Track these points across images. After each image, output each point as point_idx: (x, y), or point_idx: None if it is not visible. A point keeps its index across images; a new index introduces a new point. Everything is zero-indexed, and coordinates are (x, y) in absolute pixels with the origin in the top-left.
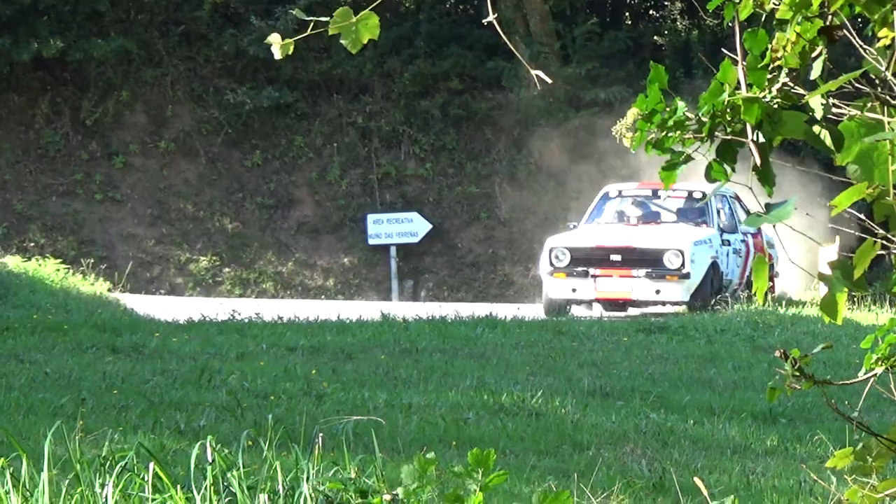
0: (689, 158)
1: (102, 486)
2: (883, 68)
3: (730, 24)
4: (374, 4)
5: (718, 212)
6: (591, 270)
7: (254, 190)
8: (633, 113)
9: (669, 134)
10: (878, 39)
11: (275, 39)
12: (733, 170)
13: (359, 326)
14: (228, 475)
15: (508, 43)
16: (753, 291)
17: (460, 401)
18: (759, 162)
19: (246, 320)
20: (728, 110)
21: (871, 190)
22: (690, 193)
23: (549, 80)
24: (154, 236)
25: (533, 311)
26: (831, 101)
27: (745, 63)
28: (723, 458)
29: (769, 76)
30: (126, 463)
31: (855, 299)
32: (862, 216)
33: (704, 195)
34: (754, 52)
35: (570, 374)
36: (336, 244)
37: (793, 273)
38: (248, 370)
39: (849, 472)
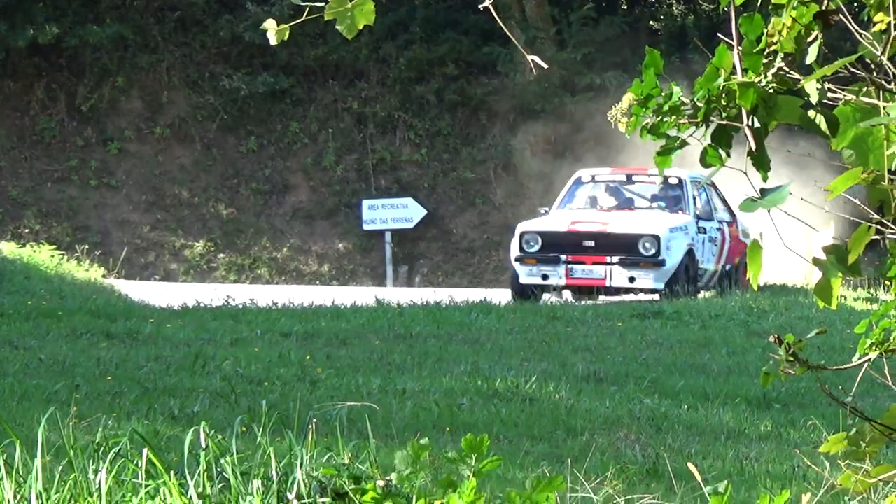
0: (684, 143)
1: (96, 472)
2: (878, 53)
3: (725, 9)
4: None
5: (695, 199)
6: (563, 256)
7: (249, 176)
8: (628, 98)
9: (665, 119)
10: (874, 24)
11: (270, 25)
12: (728, 155)
13: (353, 312)
14: (222, 461)
15: (504, 28)
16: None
17: (454, 386)
18: (754, 147)
19: (240, 306)
20: (723, 95)
21: (867, 175)
22: (666, 179)
23: (546, 66)
24: (149, 222)
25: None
26: (827, 85)
27: (740, 48)
28: (716, 444)
29: (765, 61)
30: (120, 449)
31: (853, 284)
32: (857, 201)
33: (681, 181)
34: (750, 37)
35: (565, 359)
36: (331, 230)
37: (789, 259)
38: (243, 356)
39: (842, 458)
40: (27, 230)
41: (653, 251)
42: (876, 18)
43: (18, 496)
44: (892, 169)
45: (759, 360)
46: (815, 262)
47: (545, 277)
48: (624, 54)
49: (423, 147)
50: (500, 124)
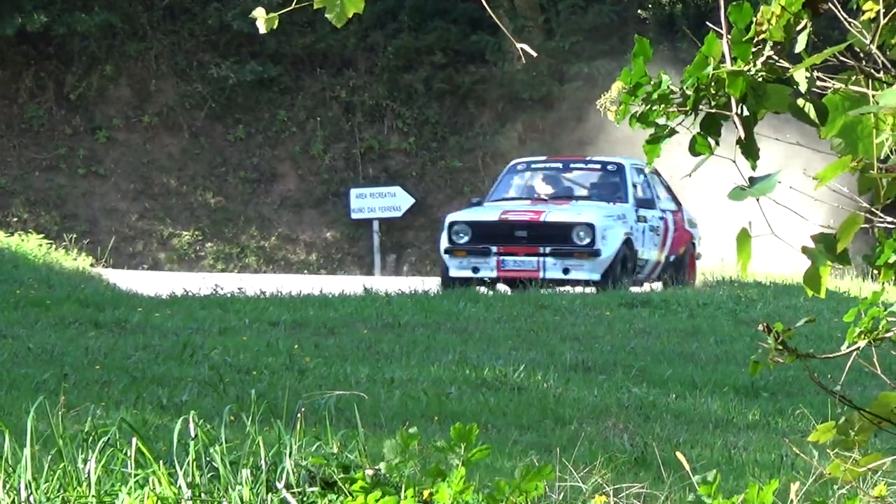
0: (673, 132)
1: (85, 461)
2: (867, 41)
3: None
4: None
5: (635, 186)
6: (494, 248)
7: (237, 164)
8: (617, 86)
9: (654, 107)
10: (863, 12)
11: (259, 13)
12: (717, 143)
13: (341, 301)
14: (211, 450)
15: (494, 16)
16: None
17: (442, 375)
18: (743, 135)
19: (228, 295)
20: (712, 84)
21: (856, 163)
22: (605, 166)
23: (535, 54)
24: (137, 211)
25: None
26: (816, 74)
27: (729, 36)
28: (705, 433)
29: (754, 49)
30: (108, 438)
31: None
32: (846, 189)
33: (619, 167)
34: (739, 26)
35: (553, 348)
36: (319, 218)
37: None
38: (231, 345)
39: (831, 447)
40: (15, 219)
41: (587, 240)
42: (865, 7)
43: (7, 486)
44: (881, 158)
45: (747, 349)
46: (804, 250)
47: (476, 270)
48: (612, 43)
49: (412, 136)
50: (488, 113)
